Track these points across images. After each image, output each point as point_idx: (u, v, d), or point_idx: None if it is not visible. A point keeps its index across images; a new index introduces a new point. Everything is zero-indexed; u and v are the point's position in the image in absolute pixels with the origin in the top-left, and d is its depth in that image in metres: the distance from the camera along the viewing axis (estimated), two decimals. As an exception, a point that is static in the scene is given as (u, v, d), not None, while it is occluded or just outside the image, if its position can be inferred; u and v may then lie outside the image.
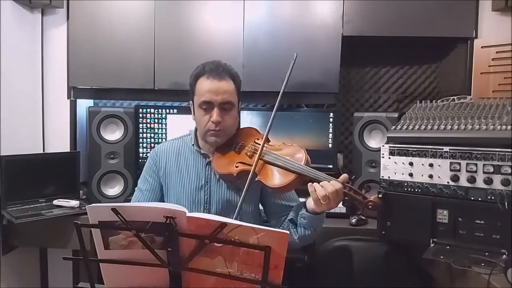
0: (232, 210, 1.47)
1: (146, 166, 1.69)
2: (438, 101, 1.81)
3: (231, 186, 1.57)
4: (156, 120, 2.43)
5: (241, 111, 2.34)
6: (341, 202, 2.06)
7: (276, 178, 1.46)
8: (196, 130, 1.64)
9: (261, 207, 1.70)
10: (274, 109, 1.53)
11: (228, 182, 1.57)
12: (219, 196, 1.58)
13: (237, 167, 1.51)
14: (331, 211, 2.06)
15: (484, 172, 1.49)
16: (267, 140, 1.58)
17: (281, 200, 1.61)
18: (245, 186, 1.43)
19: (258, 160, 1.46)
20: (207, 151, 1.62)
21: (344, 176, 1.42)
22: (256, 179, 1.47)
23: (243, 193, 1.43)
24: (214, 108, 1.51)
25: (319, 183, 1.40)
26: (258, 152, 1.48)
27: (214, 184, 1.59)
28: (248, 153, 1.54)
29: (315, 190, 1.38)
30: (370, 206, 1.41)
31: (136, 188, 1.72)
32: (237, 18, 2.28)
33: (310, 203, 1.44)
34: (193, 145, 1.64)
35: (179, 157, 1.64)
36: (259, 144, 1.54)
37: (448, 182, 1.57)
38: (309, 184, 1.41)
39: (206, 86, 1.51)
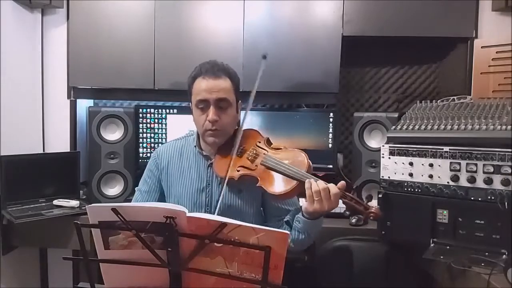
0: (234, 213, 1.46)
1: (147, 167, 1.69)
2: (438, 101, 1.81)
3: (233, 189, 1.56)
4: (156, 120, 2.43)
5: (241, 111, 2.34)
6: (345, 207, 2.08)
7: (277, 185, 1.45)
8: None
9: None
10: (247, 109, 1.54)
11: (229, 185, 1.56)
12: (220, 198, 1.58)
13: (238, 171, 1.50)
14: (331, 211, 2.09)
15: (484, 172, 1.49)
16: (268, 143, 1.59)
17: (281, 203, 1.60)
18: (221, 191, 1.45)
19: (230, 164, 1.47)
20: (209, 153, 1.61)
21: (342, 183, 1.41)
22: (258, 184, 1.47)
23: (221, 195, 1.46)
24: (210, 106, 1.51)
25: None
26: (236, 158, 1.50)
27: (215, 187, 1.58)
28: (250, 157, 1.53)
29: (311, 186, 1.39)
30: (371, 217, 1.41)
31: (136, 189, 1.72)
32: (237, 18, 2.28)
33: (305, 203, 1.44)
34: (195, 146, 1.63)
35: (181, 158, 1.64)
36: (261, 148, 1.54)
37: (448, 182, 1.57)
38: (307, 180, 1.41)
39: (202, 86, 1.51)
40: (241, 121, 1.59)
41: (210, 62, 1.56)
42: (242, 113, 1.52)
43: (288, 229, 1.52)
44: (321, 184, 1.38)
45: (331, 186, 1.38)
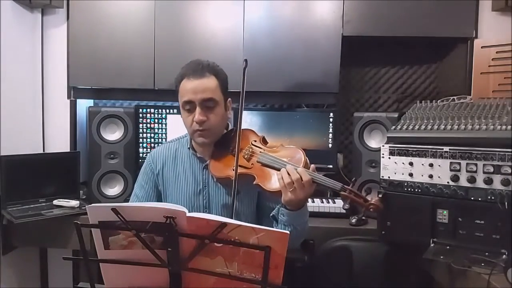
0: (231, 214, 1.45)
1: (142, 171, 1.67)
2: (438, 101, 1.81)
3: (230, 189, 1.53)
4: (156, 120, 2.43)
5: (232, 110, 2.33)
6: (344, 203, 2.08)
7: (274, 182, 1.43)
8: None
9: None
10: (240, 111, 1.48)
11: (226, 186, 1.55)
12: (218, 200, 1.57)
13: (234, 170, 1.48)
14: (331, 211, 2.10)
15: (484, 172, 1.49)
16: (264, 141, 1.58)
17: (275, 203, 1.56)
18: (233, 190, 1.41)
19: (237, 164, 1.43)
20: (203, 155, 1.59)
21: (312, 166, 1.41)
22: (254, 182, 1.45)
23: (233, 195, 1.41)
24: (196, 107, 1.49)
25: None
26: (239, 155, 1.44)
27: (212, 188, 1.57)
28: (246, 156, 1.52)
29: (282, 177, 1.37)
30: (371, 209, 1.40)
31: (132, 192, 1.70)
32: (237, 18, 2.28)
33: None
34: (189, 148, 1.62)
35: (176, 161, 1.62)
36: (257, 146, 1.53)
37: (448, 182, 1.57)
38: (277, 171, 1.40)
39: (187, 86, 1.50)
40: (238, 121, 1.57)
41: (194, 62, 1.54)
42: (244, 113, 1.50)
43: (275, 224, 1.49)
44: (294, 174, 1.36)
45: (303, 173, 1.36)
